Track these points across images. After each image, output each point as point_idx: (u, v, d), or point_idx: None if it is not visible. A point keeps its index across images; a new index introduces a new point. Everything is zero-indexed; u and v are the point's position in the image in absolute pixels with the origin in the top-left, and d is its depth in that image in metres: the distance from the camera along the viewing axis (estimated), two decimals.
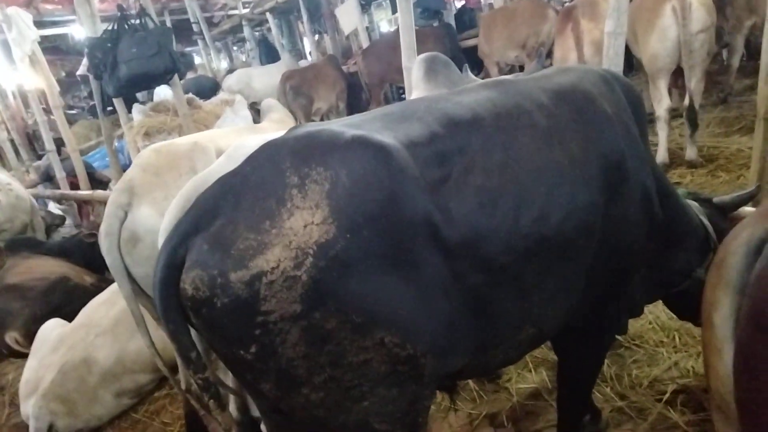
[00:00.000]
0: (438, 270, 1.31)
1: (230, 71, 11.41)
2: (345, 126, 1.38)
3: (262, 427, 1.72)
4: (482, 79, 2.69)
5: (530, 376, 2.71)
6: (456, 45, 8.03)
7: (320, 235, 1.18)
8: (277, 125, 3.21)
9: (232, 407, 2.10)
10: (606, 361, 2.66)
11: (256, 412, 1.80)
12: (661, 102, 4.85)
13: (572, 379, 1.94)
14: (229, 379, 2.07)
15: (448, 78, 2.73)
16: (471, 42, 8.11)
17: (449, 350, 1.39)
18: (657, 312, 2.93)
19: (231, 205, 1.23)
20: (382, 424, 1.32)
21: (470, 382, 2.74)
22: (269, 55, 12.17)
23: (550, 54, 6.47)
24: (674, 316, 2.56)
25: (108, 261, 2.06)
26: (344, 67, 9.04)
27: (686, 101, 4.77)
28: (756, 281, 0.89)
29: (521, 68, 7.14)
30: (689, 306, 2.09)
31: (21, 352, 3.67)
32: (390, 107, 1.61)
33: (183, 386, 2.32)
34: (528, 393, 2.62)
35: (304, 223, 1.18)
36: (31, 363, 3.26)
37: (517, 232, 1.42)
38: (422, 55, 2.82)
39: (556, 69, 1.87)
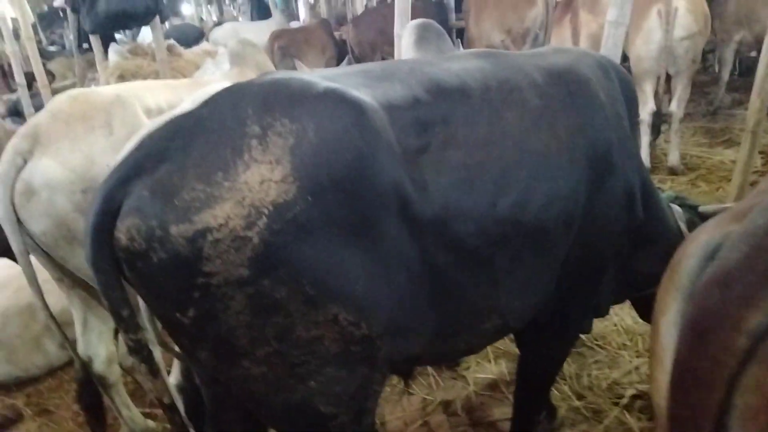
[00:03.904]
0: (403, 246, 1.21)
1: (218, 24, 11.03)
2: (318, 77, 1.25)
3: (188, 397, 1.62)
4: None
5: (489, 366, 2.66)
6: (446, 24, 7.84)
7: (278, 194, 1.05)
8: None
9: (176, 371, 1.98)
10: (567, 359, 2.63)
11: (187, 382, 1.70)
12: (645, 105, 4.80)
13: (533, 374, 1.88)
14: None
15: (440, 49, 2.61)
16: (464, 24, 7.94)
17: (407, 334, 1.30)
18: (622, 314, 2.90)
19: (180, 149, 1.09)
20: (328, 406, 1.23)
21: (427, 367, 2.68)
22: (260, 12, 11.80)
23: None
24: (639, 320, 2.53)
25: None
26: (336, 34, 8.78)
27: (671, 106, 4.75)
28: (702, 287, 0.81)
29: None
30: None
31: None
32: (370, 64, 1.49)
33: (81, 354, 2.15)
34: (485, 383, 2.57)
35: (261, 179, 1.06)
36: None
37: (493, 215, 1.33)
38: (415, 21, 2.68)
39: (553, 48, 1.77)
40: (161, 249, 1.03)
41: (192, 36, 9.39)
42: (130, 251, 1.06)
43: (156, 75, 5.35)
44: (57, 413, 2.74)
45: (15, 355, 2.90)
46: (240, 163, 1.06)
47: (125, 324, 1.19)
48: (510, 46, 6.88)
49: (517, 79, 1.47)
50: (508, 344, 2.74)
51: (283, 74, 1.27)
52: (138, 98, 2.20)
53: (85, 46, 6.27)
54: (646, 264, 1.90)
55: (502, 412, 2.35)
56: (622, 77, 1.76)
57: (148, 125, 1.93)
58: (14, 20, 6.96)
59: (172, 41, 6.23)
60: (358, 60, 8.06)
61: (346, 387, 1.23)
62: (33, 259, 2.02)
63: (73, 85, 9.28)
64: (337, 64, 8.34)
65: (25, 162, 1.87)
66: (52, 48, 13.17)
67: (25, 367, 2.95)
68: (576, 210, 1.49)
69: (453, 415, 2.40)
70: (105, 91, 2.21)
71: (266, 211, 1.05)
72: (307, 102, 1.15)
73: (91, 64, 6.74)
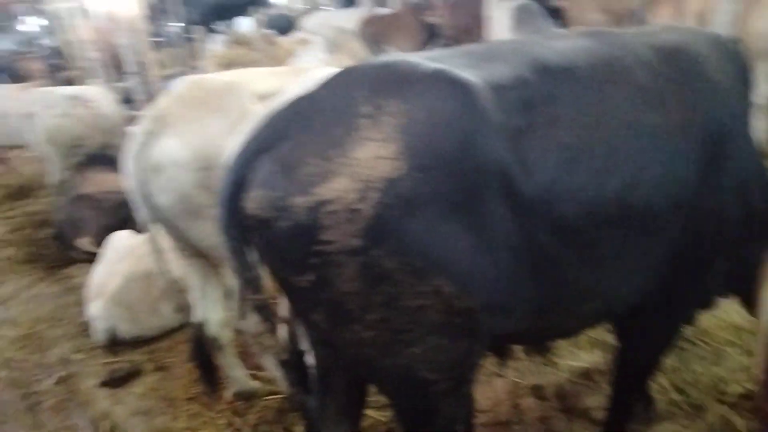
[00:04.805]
0: (507, 224, 1.24)
1: (308, 11, 11.32)
2: (426, 59, 1.29)
3: (306, 359, 1.73)
4: None
5: (582, 354, 2.61)
6: (544, 3, 7.55)
7: (389, 170, 1.12)
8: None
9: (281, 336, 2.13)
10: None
11: (302, 345, 1.81)
12: (760, 88, 4.39)
13: (631, 364, 1.84)
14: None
15: (539, 31, 2.56)
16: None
17: (507, 309, 1.33)
18: (728, 309, 2.72)
19: (300, 127, 1.20)
20: (429, 372, 1.29)
21: (518, 351, 2.67)
22: None
23: None
24: (748, 316, 2.37)
25: (130, 185, 2.07)
26: (427, 18, 8.72)
27: None
28: None
29: None
30: None
31: (89, 257, 3.88)
32: (474, 46, 1.52)
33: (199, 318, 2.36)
34: (578, 371, 2.53)
35: (372, 156, 1.13)
36: (99, 269, 3.44)
37: (599, 196, 1.32)
38: (512, 3, 2.65)
39: (662, 26, 1.71)
40: (284, 218, 1.14)
41: (284, 25, 9.72)
42: (257, 219, 1.17)
43: (254, 63, 5.64)
44: (172, 369, 3.01)
45: (136, 316, 3.22)
46: (353, 141, 1.14)
47: (250, 285, 1.31)
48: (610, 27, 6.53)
49: (625, 58, 1.43)
50: (602, 334, 2.67)
51: (393, 57, 1.33)
52: (248, 84, 2.35)
53: (191, 37, 6.67)
54: (759, 256, 1.80)
55: (596, 400, 2.31)
56: (738, 56, 1.66)
57: (259, 109, 2.07)
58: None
59: (269, 30, 6.52)
60: (448, 43, 7.97)
61: (448, 356, 1.28)
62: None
63: (179, 74, 9.93)
64: (426, 49, 8.27)
65: (153, 141, 2.07)
66: (156, 39, 14.12)
67: (145, 327, 3.26)
68: (686, 194, 1.44)
69: (543, 400, 2.39)
70: (219, 78, 2.39)
71: (377, 186, 1.12)
72: (416, 83, 1.21)
73: (194, 54, 7.18)
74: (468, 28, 7.69)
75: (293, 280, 1.20)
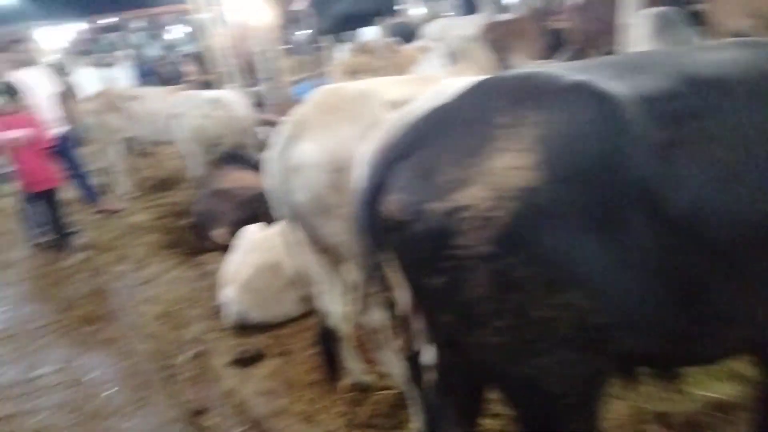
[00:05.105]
0: (647, 241, 1.20)
1: (428, 19, 11.46)
2: (566, 70, 1.29)
3: (421, 359, 1.78)
4: None
5: (716, 385, 2.40)
6: (683, 8, 6.99)
7: (525, 179, 1.14)
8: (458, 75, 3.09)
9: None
10: None
11: (419, 343, 1.87)
12: None
13: None
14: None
15: (681, 40, 2.41)
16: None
17: (642, 329, 1.28)
18: None
19: (438, 136, 1.25)
20: (556, 385, 1.28)
21: (643, 374, 2.52)
22: (469, 6, 11.93)
23: None
24: None
25: (270, 183, 2.25)
26: (551, 24, 8.46)
27: None
28: None
29: None
30: None
31: (222, 247, 4.27)
32: (617, 57, 1.48)
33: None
34: (709, 402, 2.33)
35: (509, 165, 1.15)
36: (232, 258, 3.76)
37: (754, 216, 1.23)
38: (651, 10, 2.51)
39: None
40: (418, 221, 1.19)
41: (407, 33, 9.91)
42: (394, 222, 1.25)
43: (378, 70, 5.84)
44: (294, 355, 3.22)
45: (264, 303, 3.49)
46: (490, 151, 1.17)
47: (378, 283, 1.39)
48: (758, 34, 5.89)
49: None
50: (740, 364, 2.44)
51: (534, 68, 1.34)
52: (377, 93, 2.47)
53: (319, 45, 7.04)
54: None
55: None
56: None
57: (389, 116, 2.16)
58: None
59: (392, 39, 6.71)
60: (577, 51, 7.64)
61: (576, 370, 1.27)
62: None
63: (306, 80, 10.50)
64: (551, 56, 8.04)
65: (293, 144, 2.24)
66: (287, 46, 15.07)
67: (271, 313, 3.52)
68: None
69: (670, 428, 2.24)
70: (352, 86, 2.53)
71: (512, 195, 1.13)
72: (557, 94, 1.21)
73: (321, 61, 7.56)
74: (597, 35, 7.32)
75: (425, 281, 1.26)
